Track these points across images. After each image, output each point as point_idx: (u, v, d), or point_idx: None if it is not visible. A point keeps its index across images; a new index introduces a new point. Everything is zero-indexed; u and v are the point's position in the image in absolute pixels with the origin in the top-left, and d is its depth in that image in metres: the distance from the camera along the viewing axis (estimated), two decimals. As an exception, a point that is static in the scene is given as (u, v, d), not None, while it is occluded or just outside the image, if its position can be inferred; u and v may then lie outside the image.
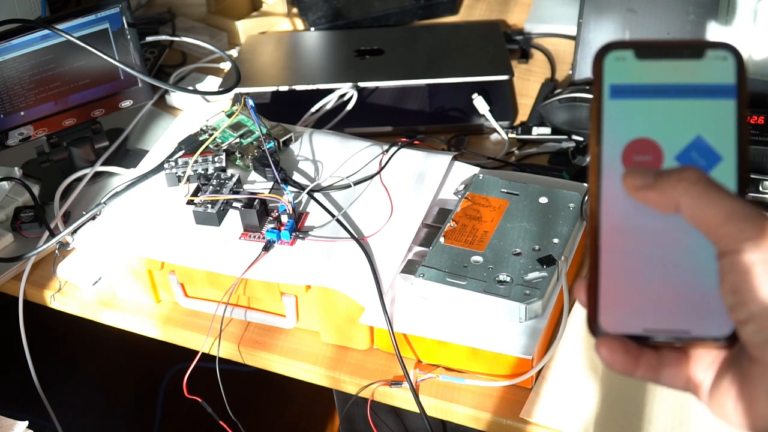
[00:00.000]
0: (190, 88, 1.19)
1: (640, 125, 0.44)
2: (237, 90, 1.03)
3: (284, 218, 0.85)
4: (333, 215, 0.86)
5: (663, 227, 0.43)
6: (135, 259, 0.88)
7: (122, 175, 1.04)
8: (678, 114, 0.44)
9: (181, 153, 0.94)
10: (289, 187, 0.88)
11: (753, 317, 0.40)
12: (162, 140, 1.01)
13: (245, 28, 1.34)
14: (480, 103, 1.10)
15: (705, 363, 0.44)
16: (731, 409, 0.42)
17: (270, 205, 0.88)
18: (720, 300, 0.42)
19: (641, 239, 0.44)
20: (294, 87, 1.13)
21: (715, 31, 1.03)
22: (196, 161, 0.92)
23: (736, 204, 0.41)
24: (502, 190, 0.90)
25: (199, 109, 1.06)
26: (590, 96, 1.04)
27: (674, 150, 0.44)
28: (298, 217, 0.87)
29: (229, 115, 0.98)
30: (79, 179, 1.04)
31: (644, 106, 0.44)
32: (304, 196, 0.89)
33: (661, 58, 0.44)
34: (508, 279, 0.79)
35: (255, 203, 0.86)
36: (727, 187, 0.42)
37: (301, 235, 0.85)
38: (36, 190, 1.02)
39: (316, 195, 0.89)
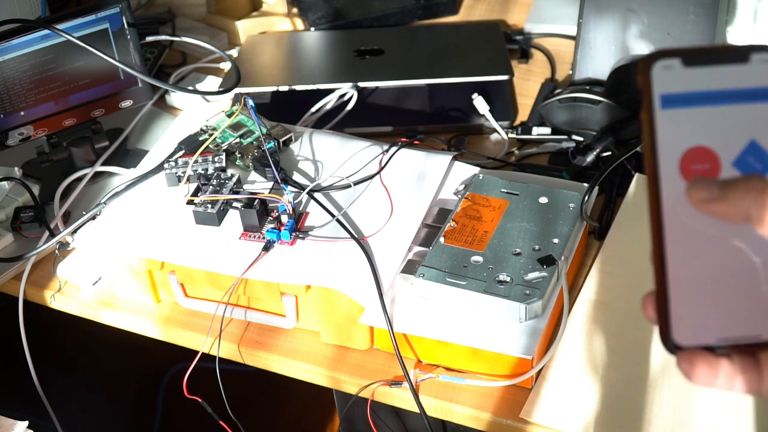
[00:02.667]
0: (190, 88, 1.19)
1: (695, 133, 0.44)
2: (237, 90, 1.03)
3: (284, 218, 0.85)
4: (333, 215, 0.86)
5: (730, 235, 0.43)
6: (135, 259, 0.88)
7: (122, 175, 1.04)
8: (730, 120, 0.44)
9: (181, 153, 0.94)
10: (289, 187, 0.88)
11: None
12: (162, 140, 1.01)
13: (245, 28, 1.34)
14: (480, 103, 1.10)
15: None
16: None
17: (270, 205, 0.88)
18: None
19: (708, 249, 0.44)
20: (294, 87, 1.13)
21: (715, 32, 1.03)
22: (196, 161, 0.92)
23: None
24: (502, 190, 0.90)
25: (199, 109, 1.06)
26: (593, 97, 1.04)
27: (730, 156, 0.44)
28: (298, 217, 0.87)
29: (229, 115, 0.98)
30: (79, 179, 1.04)
31: (696, 114, 0.44)
32: (304, 196, 0.89)
33: (707, 65, 0.44)
34: (508, 279, 0.79)
35: (255, 203, 0.86)
36: None
37: (301, 235, 0.85)
38: (36, 190, 1.02)
39: (316, 195, 0.89)
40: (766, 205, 0.41)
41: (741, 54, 0.43)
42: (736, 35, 1.02)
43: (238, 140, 0.96)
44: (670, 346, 0.44)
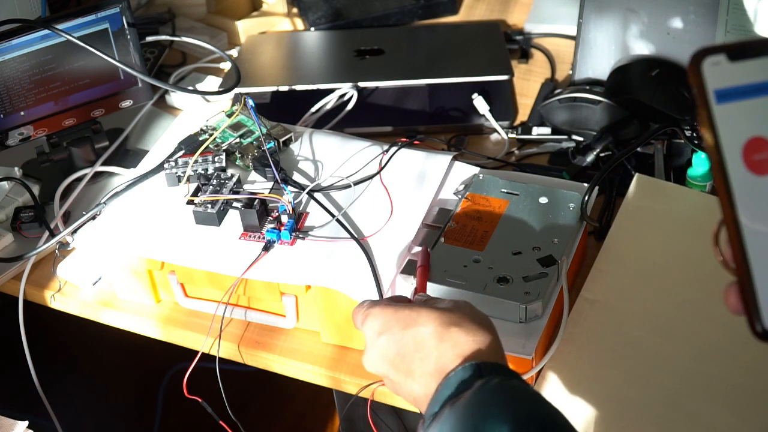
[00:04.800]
0: (190, 88, 1.19)
1: (752, 125, 0.45)
2: (237, 90, 1.03)
3: (284, 218, 0.85)
4: (333, 215, 0.86)
5: None
6: (135, 259, 0.88)
7: (122, 175, 1.04)
8: None
9: (181, 153, 0.94)
10: (289, 187, 0.88)
11: None
12: (162, 140, 1.01)
13: (245, 28, 1.34)
14: (480, 103, 1.10)
15: None
16: None
17: (270, 205, 0.88)
18: None
19: None
20: (294, 87, 1.13)
21: (715, 32, 1.03)
22: (196, 161, 0.92)
23: None
24: (502, 190, 0.90)
25: (199, 109, 1.06)
26: (593, 97, 1.04)
27: None
28: (298, 217, 0.87)
29: (229, 115, 0.98)
30: (79, 179, 1.03)
31: (750, 106, 0.45)
32: (304, 196, 0.89)
33: (751, 58, 0.45)
34: (508, 279, 0.79)
35: (255, 203, 0.86)
36: None
37: (301, 235, 0.85)
38: (36, 190, 1.02)
39: (316, 195, 0.89)
40: None
41: None
42: (737, 35, 1.02)
43: (238, 140, 0.96)
44: (761, 332, 0.44)
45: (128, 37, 1.01)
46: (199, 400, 0.86)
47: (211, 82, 1.22)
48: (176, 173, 0.92)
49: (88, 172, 1.04)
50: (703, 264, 0.83)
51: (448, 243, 0.84)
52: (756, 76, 0.45)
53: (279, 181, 0.89)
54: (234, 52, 1.28)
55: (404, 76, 1.15)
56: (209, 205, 0.87)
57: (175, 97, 1.19)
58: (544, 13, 1.34)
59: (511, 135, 1.10)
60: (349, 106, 1.11)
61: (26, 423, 0.82)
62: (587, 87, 1.07)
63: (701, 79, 0.45)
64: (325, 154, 0.96)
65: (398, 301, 0.67)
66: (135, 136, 1.13)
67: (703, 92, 0.45)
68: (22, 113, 0.99)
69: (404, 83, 1.15)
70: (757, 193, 0.45)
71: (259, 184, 0.92)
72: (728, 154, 0.45)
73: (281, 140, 0.96)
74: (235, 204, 0.87)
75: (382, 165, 0.93)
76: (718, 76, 0.45)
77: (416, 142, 0.99)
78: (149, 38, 1.09)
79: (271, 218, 0.86)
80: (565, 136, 1.07)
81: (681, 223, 0.91)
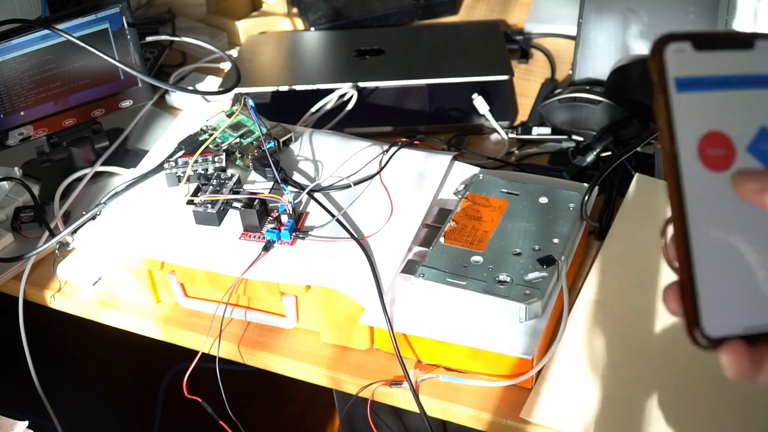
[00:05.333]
0: (190, 88, 1.19)
1: (710, 118, 0.43)
2: (237, 90, 1.03)
3: (284, 218, 0.85)
4: (333, 215, 0.86)
5: (758, 218, 0.42)
6: (135, 259, 0.88)
7: (122, 175, 1.04)
8: (741, 105, 0.43)
9: (181, 153, 0.94)
10: (289, 187, 0.88)
11: None
12: (162, 140, 1.01)
13: (245, 28, 1.34)
14: (480, 103, 1.10)
15: None
16: None
17: (270, 205, 0.88)
18: None
19: (735, 234, 0.42)
20: (294, 87, 1.13)
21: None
22: (196, 161, 0.92)
23: None
24: (502, 190, 0.90)
25: (199, 109, 1.06)
26: (593, 97, 1.04)
27: (744, 142, 0.43)
28: (298, 217, 0.87)
29: (229, 115, 0.98)
30: (79, 179, 1.03)
31: (710, 98, 0.43)
32: (304, 196, 0.89)
33: (716, 49, 0.43)
34: (508, 279, 0.79)
35: (255, 203, 0.86)
36: None
37: (301, 235, 0.85)
38: (36, 190, 1.02)
39: (316, 195, 0.89)
40: None
41: (746, 40, 0.43)
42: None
43: (238, 140, 0.96)
44: (700, 338, 0.42)
45: (128, 37, 1.01)
46: (199, 400, 0.86)
47: (211, 82, 1.22)
48: (176, 173, 0.92)
49: (88, 172, 1.04)
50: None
51: (448, 243, 0.84)
52: (720, 69, 0.43)
53: (279, 181, 0.89)
54: (234, 52, 1.28)
55: (404, 76, 1.15)
56: (209, 205, 0.87)
57: (175, 97, 1.19)
58: (544, 13, 1.34)
59: (511, 135, 1.10)
60: (349, 106, 1.11)
61: (26, 423, 0.82)
62: (587, 87, 1.07)
63: (662, 65, 0.43)
64: (325, 154, 0.96)
65: None
66: (135, 136, 1.13)
67: (663, 78, 0.43)
68: (22, 113, 0.99)
69: (404, 83, 1.15)
70: (708, 189, 0.43)
71: (259, 184, 0.92)
72: (683, 145, 0.43)
73: (281, 140, 0.96)
74: (235, 204, 0.87)
75: (382, 165, 0.93)
76: (680, 64, 0.43)
77: (416, 142, 0.99)
78: (149, 38, 1.09)
79: (271, 218, 0.86)
80: (565, 136, 1.07)
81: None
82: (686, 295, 0.42)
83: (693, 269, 0.42)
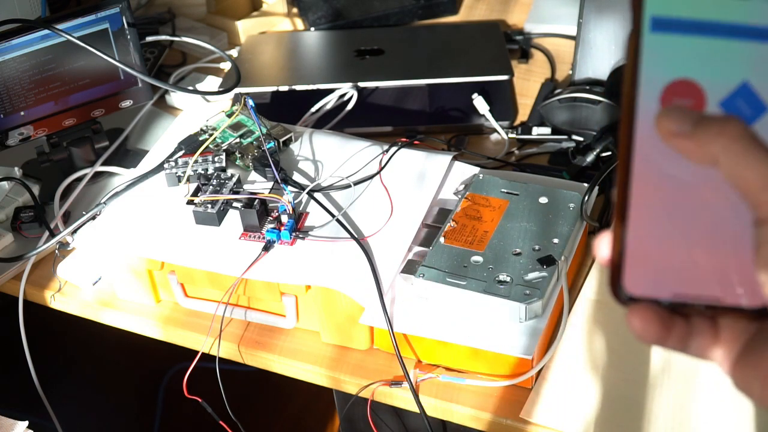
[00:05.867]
0: (190, 88, 1.19)
1: (683, 64, 0.39)
2: (237, 90, 1.03)
3: (284, 218, 0.85)
4: (333, 215, 0.86)
5: (701, 180, 0.39)
6: (135, 259, 0.88)
7: (122, 175, 1.04)
8: (724, 55, 0.39)
9: (181, 153, 0.94)
10: (289, 187, 0.88)
11: None
12: (162, 140, 1.01)
13: (245, 28, 1.34)
14: (480, 103, 1.10)
15: (733, 334, 0.40)
16: (757, 390, 0.39)
17: (270, 205, 0.88)
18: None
19: (677, 192, 0.39)
20: (294, 87, 1.13)
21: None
22: (196, 161, 0.92)
23: None
24: (502, 190, 0.90)
25: (199, 109, 1.06)
26: (593, 97, 1.04)
27: (718, 95, 0.39)
28: (298, 217, 0.87)
29: (229, 115, 0.98)
30: (79, 179, 1.03)
31: (688, 44, 0.39)
32: (304, 196, 0.89)
33: None
34: (508, 279, 0.79)
35: (255, 203, 0.86)
36: None
37: (301, 235, 0.85)
38: (36, 190, 1.02)
39: (316, 195, 0.89)
40: (735, 155, 0.37)
41: None
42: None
43: (238, 140, 0.96)
44: (621, 294, 0.39)
45: (128, 37, 1.01)
46: (199, 400, 0.86)
47: (211, 82, 1.22)
48: (176, 173, 0.92)
49: (88, 172, 1.04)
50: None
51: (448, 243, 0.84)
52: (705, 12, 0.39)
53: (279, 181, 0.89)
54: (234, 52, 1.28)
55: (404, 76, 1.15)
56: (209, 205, 0.87)
57: (175, 97, 1.19)
58: (544, 13, 1.34)
59: (511, 135, 1.10)
60: (349, 106, 1.11)
61: (26, 423, 0.82)
62: (587, 87, 1.07)
63: (641, 0, 0.39)
64: (325, 154, 0.96)
65: None
66: (135, 136, 1.13)
67: (639, 14, 0.39)
68: (22, 113, 0.99)
69: (404, 83, 1.15)
70: (660, 141, 0.39)
71: (259, 184, 0.92)
72: (645, 89, 0.39)
73: (281, 140, 0.96)
74: (235, 204, 0.87)
75: (382, 165, 0.93)
76: (661, 1, 0.39)
77: (416, 142, 0.99)
78: (149, 38, 1.09)
79: (271, 218, 0.86)
80: (565, 136, 1.07)
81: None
82: (615, 246, 0.40)
83: (626, 220, 0.39)
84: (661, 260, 0.39)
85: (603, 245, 0.40)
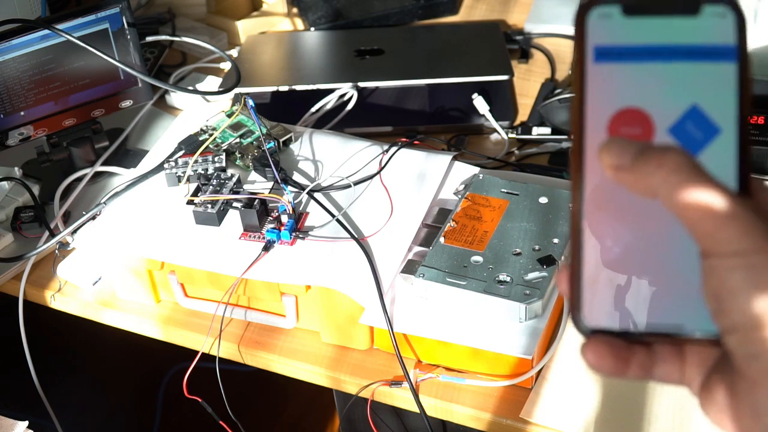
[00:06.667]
0: (190, 88, 1.19)
1: (629, 93, 0.39)
2: (237, 90, 1.03)
3: (284, 218, 0.85)
4: (333, 215, 0.86)
5: (652, 211, 0.38)
6: (135, 259, 0.88)
7: (122, 175, 1.04)
8: (671, 79, 0.38)
9: (181, 153, 0.94)
10: (289, 187, 0.88)
11: (736, 327, 0.35)
12: (162, 140, 1.01)
13: (245, 28, 1.34)
14: (480, 103, 1.10)
15: (698, 359, 0.40)
16: (720, 417, 0.39)
17: (270, 205, 0.88)
18: None
19: (629, 224, 0.39)
20: (294, 87, 1.13)
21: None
22: (196, 161, 0.92)
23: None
24: (502, 190, 0.90)
25: (199, 109, 1.06)
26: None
27: (667, 121, 0.38)
28: (298, 217, 0.87)
29: (229, 115, 0.98)
30: (79, 179, 1.04)
31: (633, 71, 0.38)
32: (304, 196, 0.89)
33: (651, 15, 0.38)
34: (508, 279, 0.79)
35: (255, 203, 0.86)
36: (724, 165, 0.37)
37: (301, 235, 0.85)
38: (36, 190, 1.02)
39: (316, 195, 0.89)
40: (674, 187, 0.36)
41: (691, 4, 0.38)
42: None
43: (238, 140, 0.96)
44: (582, 327, 0.39)
45: (128, 37, 1.01)
46: (199, 400, 0.86)
47: (211, 82, 1.22)
48: (176, 173, 0.92)
49: (88, 172, 1.04)
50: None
51: (448, 243, 0.84)
52: (648, 38, 0.38)
53: (279, 181, 0.89)
54: (234, 52, 1.28)
55: (404, 76, 1.15)
56: (209, 205, 0.87)
57: (175, 97, 1.19)
58: (544, 13, 1.33)
59: (511, 135, 1.10)
60: (349, 106, 1.11)
61: (26, 423, 0.82)
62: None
63: (583, 31, 0.38)
64: (325, 154, 0.96)
65: None
66: (135, 136, 1.13)
67: (582, 46, 0.39)
68: (22, 113, 0.99)
69: (404, 83, 1.15)
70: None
71: (259, 184, 0.92)
72: (592, 121, 0.38)
73: (281, 140, 0.96)
74: (235, 204, 0.87)
75: (382, 165, 0.93)
76: (604, 31, 0.38)
77: (416, 142, 0.99)
78: (149, 38, 1.09)
79: (271, 218, 0.86)
80: (565, 136, 1.07)
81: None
82: (572, 280, 0.39)
83: (581, 253, 0.39)
84: (619, 292, 0.39)
85: (563, 280, 0.40)
